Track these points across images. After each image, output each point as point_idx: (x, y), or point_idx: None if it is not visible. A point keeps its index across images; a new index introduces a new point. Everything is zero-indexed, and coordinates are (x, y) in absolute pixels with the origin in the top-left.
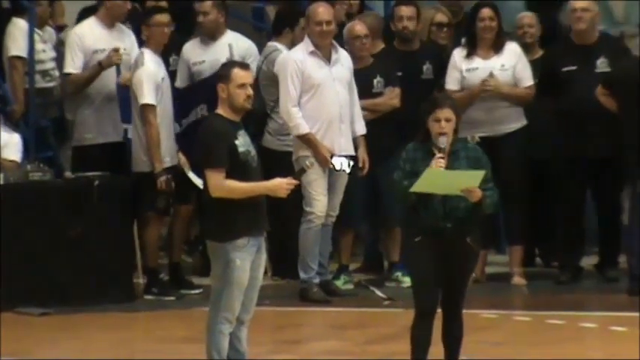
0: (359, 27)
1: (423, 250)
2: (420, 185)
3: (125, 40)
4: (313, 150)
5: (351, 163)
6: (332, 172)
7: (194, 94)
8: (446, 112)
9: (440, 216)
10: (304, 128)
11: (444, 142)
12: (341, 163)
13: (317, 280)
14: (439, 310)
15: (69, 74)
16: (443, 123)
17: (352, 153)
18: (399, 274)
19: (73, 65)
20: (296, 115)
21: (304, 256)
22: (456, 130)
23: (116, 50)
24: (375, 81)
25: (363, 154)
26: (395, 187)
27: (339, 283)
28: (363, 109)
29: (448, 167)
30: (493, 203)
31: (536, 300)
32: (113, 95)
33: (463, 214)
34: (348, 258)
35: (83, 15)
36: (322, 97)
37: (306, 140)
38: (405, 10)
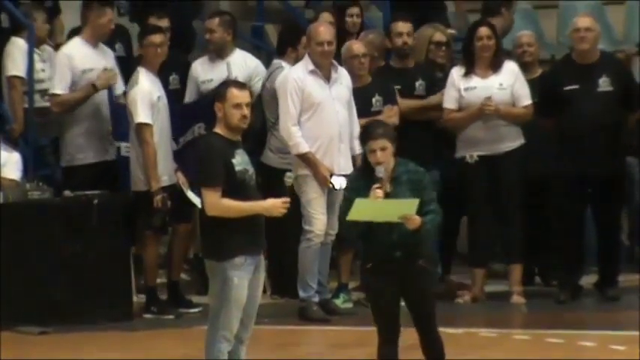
0: (357, 46)
1: (376, 277)
2: (355, 214)
3: (108, 60)
4: (312, 169)
5: None
6: (331, 191)
7: (192, 112)
8: (379, 143)
9: (388, 245)
10: (304, 147)
11: (381, 171)
12: (340, 183)
13: (316, 299)
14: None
15: (57, 95)
16: (378, 153)
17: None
18: None
19: (61, 86)
20: (296, 134)
21: (303, 274)
22: (395, 154)
23: (105, 69)
24: (373, 99)
25: None
26: (340, 218)
27: (339, 301)
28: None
29: (390, 193)
30: (434, 227)
31: (536, 319)
32: (101, 114)
33: (412, 240)
34: (348, 276)
35: (72, 35)
36: (322, 116)
37: (306, 159)
38: (404, 26)
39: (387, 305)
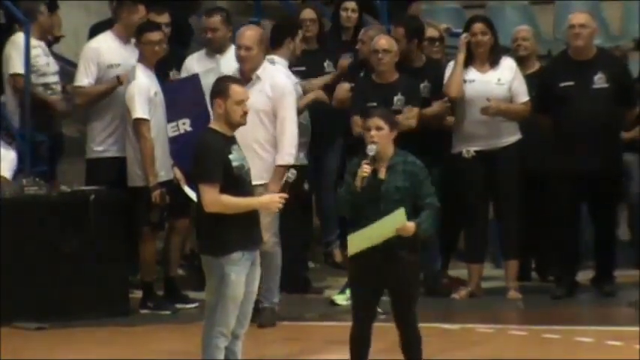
0: (383, 41)
1: (359, 261)
2: (354, 247)
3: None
4: None
5: None
6: None
7: (177, 105)
8: (375, 121)
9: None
10: None
11: (372, 149)
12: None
13: (269, 305)
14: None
15: (81, 87)
16: (373, 131)
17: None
18: None
19: (86, 78)
20: None
21: None
22: (395, 143)
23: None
24: (395, 98)
25: (270, 185)
26: (338, 199)
27: (342, 298)
28: None
29: (385, 180)
30: (430, 226)
31: (532, 314)
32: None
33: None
34: None
35: (95, 30)
36: None
37: None
38: (399, 31)
39: (363, 288)
